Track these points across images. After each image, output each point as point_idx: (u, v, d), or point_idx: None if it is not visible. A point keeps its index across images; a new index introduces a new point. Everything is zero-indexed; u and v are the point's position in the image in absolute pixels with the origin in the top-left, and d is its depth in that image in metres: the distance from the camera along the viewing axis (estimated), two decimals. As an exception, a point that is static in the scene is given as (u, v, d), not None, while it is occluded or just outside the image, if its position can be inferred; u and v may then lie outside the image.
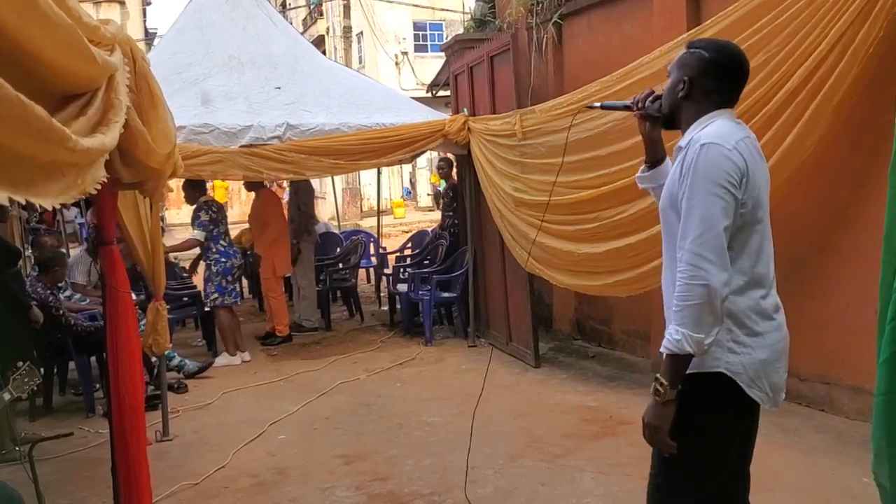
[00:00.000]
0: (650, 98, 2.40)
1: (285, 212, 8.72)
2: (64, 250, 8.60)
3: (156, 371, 5.75)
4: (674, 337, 2.06)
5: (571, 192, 5.60)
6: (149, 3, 33.24)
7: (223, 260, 7.07)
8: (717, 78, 2.23)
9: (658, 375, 2.12)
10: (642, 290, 5.18)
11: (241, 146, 6.56)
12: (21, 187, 1.45)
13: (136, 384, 3.32)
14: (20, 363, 3.20)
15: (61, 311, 5.84)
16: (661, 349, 2.10)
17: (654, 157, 2.52)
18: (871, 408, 2.58)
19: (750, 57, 4.37)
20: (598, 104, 2.74)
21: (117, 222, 3.69)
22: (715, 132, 2.13)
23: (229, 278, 7.17)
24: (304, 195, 8.72)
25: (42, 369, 5.75)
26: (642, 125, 2.47)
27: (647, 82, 4.45)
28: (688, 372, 2.12)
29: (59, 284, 6.26)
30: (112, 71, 2.02)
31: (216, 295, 7.06)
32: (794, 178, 4.44)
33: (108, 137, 1.85)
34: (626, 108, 2.50)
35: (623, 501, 3.85)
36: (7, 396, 3.19)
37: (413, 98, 9.23)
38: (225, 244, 7.19)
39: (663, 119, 2.37)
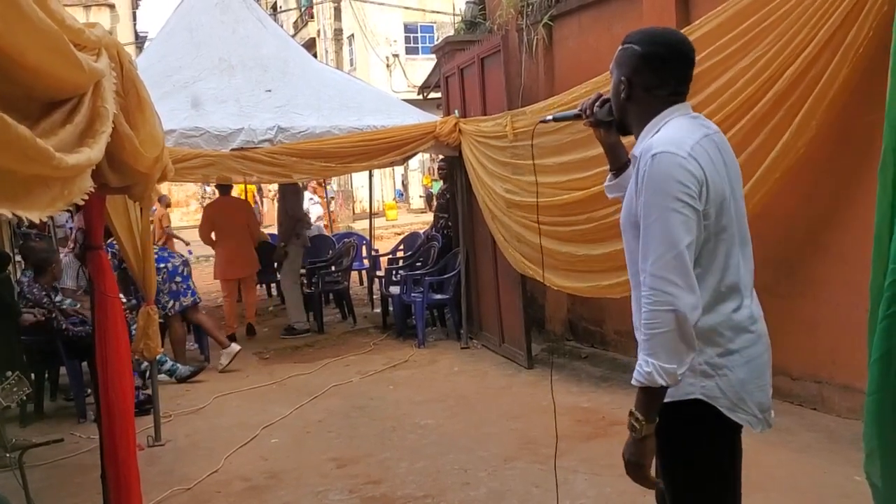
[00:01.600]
0: (598, 103, 2.26)
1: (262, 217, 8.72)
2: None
3: (147, 375, 5.73)
4: (644, 369, 1.87)
5: (564, 193, 5.59)
6: (138, 6, 33.11)
7: (161, 265, 6.62)
8: (655, 71, 2.04)
9: (632, 410, 1.93)
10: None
11: (232, 149, 6.54)
12: (5, 201, 1.44)
13: (126, 389, 3.30)
14: (9, 373, 3.19)
15: (53, 314, 5.81)
16: (633, 381, 1.91)
17: (618, 164, 2.36)
18: (863, 406, 2.59)
19: (740, 56, 4.47)
20: (549, 117, 2.59)
21: (106, 226, 3.67)
22: (668, 138, 1.95)
23: (178, 279, 6.89)
24: (291, 199, 8.71)
25: (33, 375, 5.72)
26: (597, 132, 2.33)
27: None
28: (664, 401, 1.95)
29: (55, 284, 6.22)
30: (99, 77, 2.00)
31: (171, 302, 6.81)
32: (784, 178, 4.44)
33: (95, 151, 1.82)
34: (577, 116, 2.35)
35: (616, 502, 3.85)
36: (-5, 405, 3.18)
37: (404, 100, 9.24)
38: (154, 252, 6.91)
39: (616, 124, 2.23)
